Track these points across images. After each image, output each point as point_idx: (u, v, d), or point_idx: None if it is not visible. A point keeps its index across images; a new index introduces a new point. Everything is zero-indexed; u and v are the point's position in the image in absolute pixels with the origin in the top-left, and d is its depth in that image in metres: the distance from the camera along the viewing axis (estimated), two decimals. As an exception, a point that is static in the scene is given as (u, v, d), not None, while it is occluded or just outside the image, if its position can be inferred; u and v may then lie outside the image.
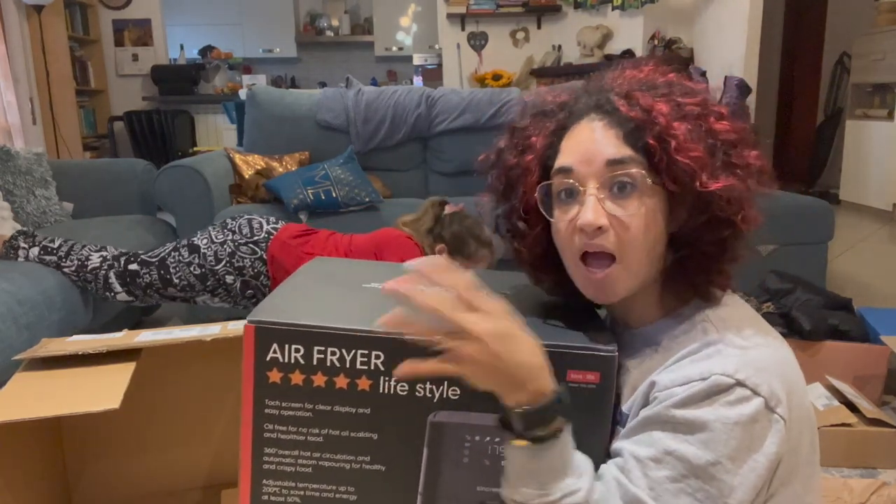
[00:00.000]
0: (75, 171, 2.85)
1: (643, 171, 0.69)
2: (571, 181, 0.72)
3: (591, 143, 0.71)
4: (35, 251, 1.92)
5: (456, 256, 1.91)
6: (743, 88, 3.64)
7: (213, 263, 1.88)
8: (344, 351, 0.69)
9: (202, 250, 1.89)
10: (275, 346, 0.69)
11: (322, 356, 0.69)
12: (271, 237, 1.91)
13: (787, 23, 5.93)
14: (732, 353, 0.66)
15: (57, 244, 1.95)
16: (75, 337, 1.13)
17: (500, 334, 0.62)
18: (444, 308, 0.61)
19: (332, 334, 0.69)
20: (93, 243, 2.00)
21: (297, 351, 0.69)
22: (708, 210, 0.69)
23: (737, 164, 0.70)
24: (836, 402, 1.74)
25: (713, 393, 0.64)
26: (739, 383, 0.64)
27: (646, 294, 0.75)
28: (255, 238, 1.91)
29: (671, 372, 0.68)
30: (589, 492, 0.66)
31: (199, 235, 1.95)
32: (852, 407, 1.72)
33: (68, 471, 1.20)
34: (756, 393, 0.64)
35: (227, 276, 1.89)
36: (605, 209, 0.70)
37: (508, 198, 0.81)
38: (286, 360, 0.69)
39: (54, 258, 1.91)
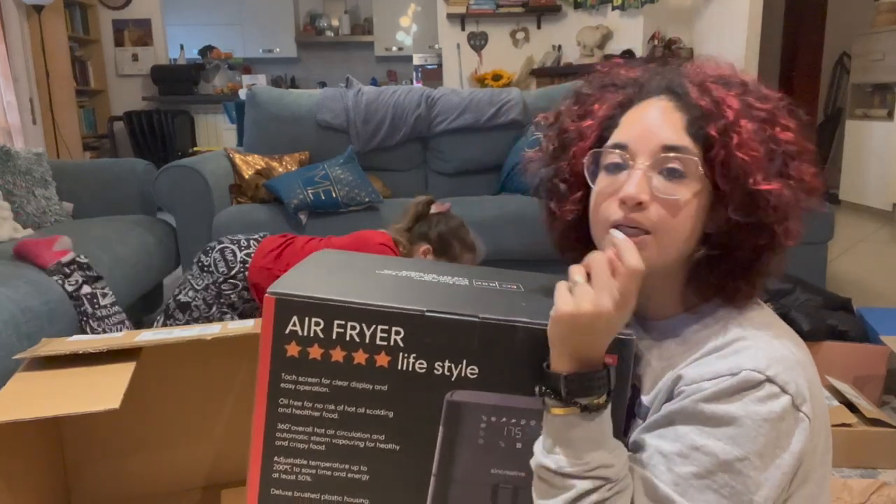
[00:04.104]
0: (75, 171, 2.84)
1: (696, 160, 0.69)
2: (623, 154, 0.72)
3: (652, 124, 0.71)
4: (79, 276, 1.86)
5: (440, 258, 1.91)
6: (743, 88, 3.64)
7: (206, 311, 1.91)
8: (364, 325, 0.68)
9: (192, 304, 1.92)
10: (295, 318, 0.68)
11: (342, 330, 0.68)
12: (247, 266, 1.91)
13: (787, 23, 5.92)
14: (762, 349, 0.66)
15: (105, 302, 1.88)
16: (75, 337, 1.13)
17: (624, 302, 0.63)
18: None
19: (353, 308, 0.68)
20: (119, 312, 1.93)
21: (317, 324, 0.68)
22: (752, 212, 0.69)
23: (792, 174, 0.70)
24: (836, 402, 1.74)
25: (743, 388, 0.63)
26: (769, 380, 0.63)
27: (667, 285, 0.75)
28: (232, 272, 1.91)
29: (699, 366, 0.68)
30: (623, 470, 0.65)
31: (182, 291, 1.95)
32: (852, 407, 1.72)
33: (68, 471, 1.20)
34: (784, 390, 0.64)
35: (224, 317, 1.92)
36: (649, 186, 0.69)
37: (557, 159, 0.81)
38: (305, 333, 0.68)
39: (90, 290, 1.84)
